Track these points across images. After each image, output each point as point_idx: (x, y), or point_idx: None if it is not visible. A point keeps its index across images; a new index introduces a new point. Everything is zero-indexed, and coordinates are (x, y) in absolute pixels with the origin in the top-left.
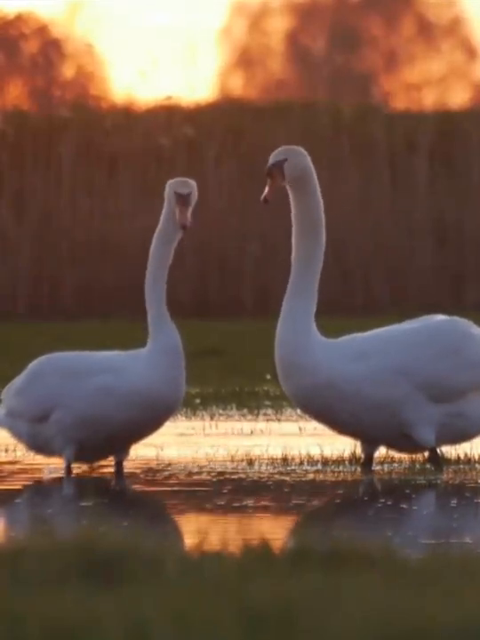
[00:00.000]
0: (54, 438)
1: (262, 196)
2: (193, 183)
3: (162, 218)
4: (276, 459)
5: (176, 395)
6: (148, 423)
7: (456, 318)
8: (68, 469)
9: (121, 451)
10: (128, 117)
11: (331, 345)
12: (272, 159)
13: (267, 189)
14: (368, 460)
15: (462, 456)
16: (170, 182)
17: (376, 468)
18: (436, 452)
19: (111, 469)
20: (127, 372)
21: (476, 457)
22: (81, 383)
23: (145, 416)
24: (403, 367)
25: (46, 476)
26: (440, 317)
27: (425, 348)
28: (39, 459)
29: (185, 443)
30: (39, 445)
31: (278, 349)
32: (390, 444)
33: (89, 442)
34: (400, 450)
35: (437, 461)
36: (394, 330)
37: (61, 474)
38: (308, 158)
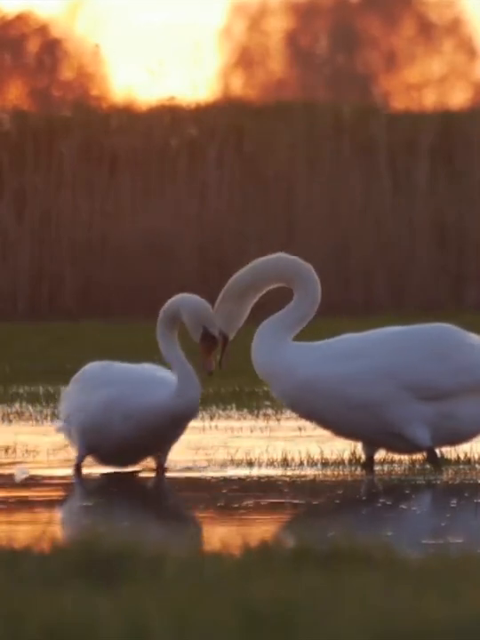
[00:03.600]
0: (71, 444)
1: (216, 365)
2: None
3: (160, 331)
4: (276, 459)
5: (183, 426)
6: (148, 442)
7: (447, 325)
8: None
9: (153, 455)
10: (129, 117)
11: (305, 347)
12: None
13: (213, 360)
14: (369, 461)
15: (462, 456)
16: (189, 306)
17: (376, 468)
18: (434, 452)
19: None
20: (144, 390)
21: (476, 457)
22: (92, 394)
23: (143, 436)
24: (386, 368)
25: (18, 477)
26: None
27: (410, 350)
28: (38, 459)
29: (185, 443)
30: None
31: (253, 357)
32: (386, 446)
33: (100, 449)
34: (398, 451)
35: (436, 461)
36: (379, 332)
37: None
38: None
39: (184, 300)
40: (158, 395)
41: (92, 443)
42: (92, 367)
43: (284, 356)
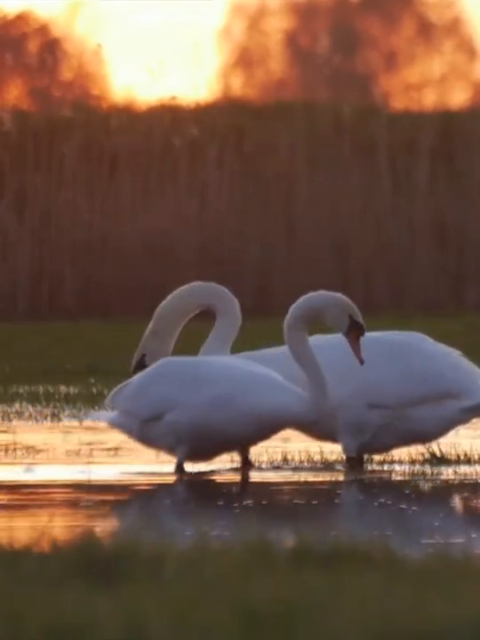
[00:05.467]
0: (166, 438)
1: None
2: None
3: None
4: (276, 459)
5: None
6: (254, 440)
7: (412, 333)
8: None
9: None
10: (129, 117)
11: (250, 357)
12: (133, 361)
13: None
14: (350, 460)
15: (462, 456)
16: (332, 301)
17: (376, 467)
18: (354, 460)
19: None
20: (252, 388)
21: (476, 457)
22: (200, 390)
23: (254, 435)
24: (345, 373)
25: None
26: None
27: (371, 358)
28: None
29: None
30: (149, 444)
31: None
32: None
33: (201, 445)
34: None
35: (353, 465)
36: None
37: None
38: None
39: (324, 297)
40: (286, 398)
41: (201, 438)
42: (189, 363)
43: None
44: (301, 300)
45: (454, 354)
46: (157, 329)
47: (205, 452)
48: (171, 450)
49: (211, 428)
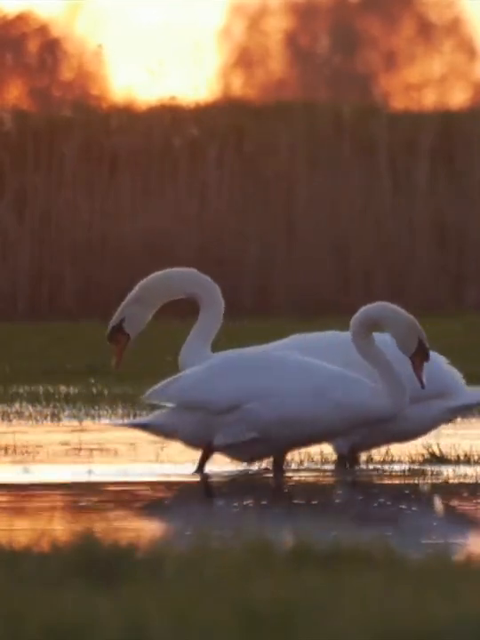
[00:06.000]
0: (237, 429)
1: (113, 363)
2: None
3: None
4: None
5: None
6: (339, 433)
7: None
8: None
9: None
10: (129, 117)
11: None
12: (110, 325)
13: (115, 357)
14: (341, 458)
15: (462, 456)
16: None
17: (376, 467)
18: (344, 459)
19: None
20: (353, 385)
21: (476, 457)
22: (284, 382)
23: (333, 430)
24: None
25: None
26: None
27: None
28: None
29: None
30: (200, 439)
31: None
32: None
33: (274, 439)
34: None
35: (344, 466)
36: (323, 337)
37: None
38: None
39: (395, 313)
40: (369, 394)
41: (280, 430)
42: (265, 355)
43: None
44: (372, 307)
45: (435, 354)
46: (143, 297)
47: (277, 446)
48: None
49: (296, 419)
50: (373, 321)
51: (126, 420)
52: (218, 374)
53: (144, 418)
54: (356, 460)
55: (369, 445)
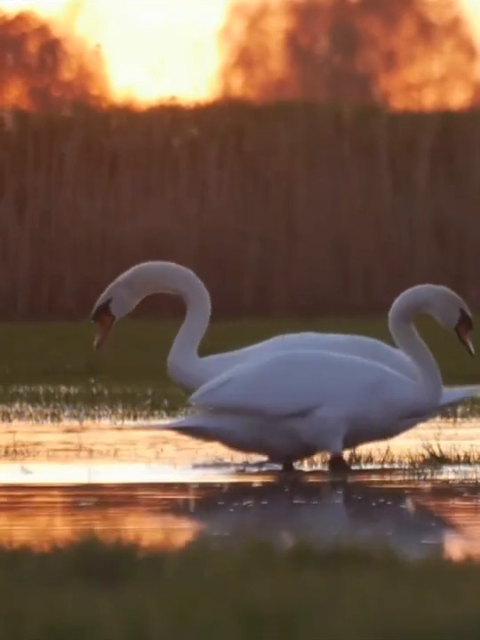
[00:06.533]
0: (320, 434)
1: (96, 343)
2: None
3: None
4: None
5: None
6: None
7: (367, 338)
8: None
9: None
10: (129, 117)
11: (209, 360)
12: (97, 304)
13: (98, 336)
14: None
15: (462, 456)
16: (442, 294)
17: (376, 468)
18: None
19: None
20: (399, 380)
21: (476, 457)
22: (352, 381)
23: (386, 426)
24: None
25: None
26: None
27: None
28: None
29: (186, 442)
30: (256, 444)
31: (169, 372)
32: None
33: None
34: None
35: (342, 467)
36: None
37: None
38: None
39: (433, 290)
40: (408, 388)
41: (350, 431)
42: (322, 355)
43: (188, 368)
44: (408, 292)
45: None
46: (134, 283)
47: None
48: (322, 445)
49: (365, 418)
50: (414, 306)
51: (164, 422)
52: (275, 377)
53: (186, 419)
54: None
55: (349, 445)
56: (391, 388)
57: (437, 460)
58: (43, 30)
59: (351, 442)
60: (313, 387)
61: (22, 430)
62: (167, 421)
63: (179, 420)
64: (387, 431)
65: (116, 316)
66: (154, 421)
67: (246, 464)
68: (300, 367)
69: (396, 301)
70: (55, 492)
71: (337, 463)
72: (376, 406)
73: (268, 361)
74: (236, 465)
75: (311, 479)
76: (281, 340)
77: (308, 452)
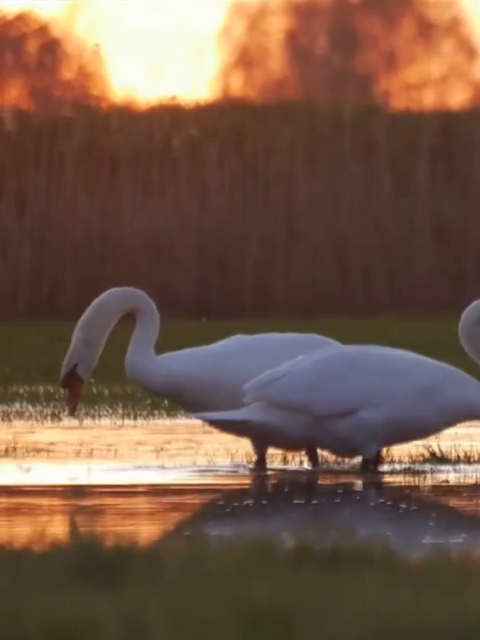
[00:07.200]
0: (357, 434)
1: (69, 410)
2: None
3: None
4: (276, 459)
5: None
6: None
7: (318, 335)
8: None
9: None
10: (129, 117)
11: (168, 358)
12: (62, 371)
13: (70, 403)
14: (261, 460)
15: (462, 456)
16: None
17: (379, 467)
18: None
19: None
20: (458, 382)
21: (477, 457)
22: (402, 382)
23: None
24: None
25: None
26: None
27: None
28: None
29: (185, 442)
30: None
31: (131, 377)
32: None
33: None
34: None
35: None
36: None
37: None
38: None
39: None
40: (472, 391)
41: (394, 431)
42: (378, 353)
43: (147, 367)
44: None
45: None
46: (90, 338)
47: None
48: (359, 445)
49: (410, 420)
50: None
51: (210, 414)
52: (326, 375)
53: (233, 413)
54: (380, 460)
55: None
56: (450, 391)
57: (437, 460)
58: (43, 30)
59: (396, 441)
60: (362, 388)
61: (22, 430)
62: (214, 413)
63: (224, 412)
64: (436, 432)
65: (84, 377)
66: (153, 421)
67: (244, 464)
68: (354, 367)
69: (469, 310)
70: (55, 492)
71: (367, 465)
72: (428, 409)
73: (324, 358)
74: (235, 465)
75: (311, 479)
76: (243, 339)
77: (354, 451)
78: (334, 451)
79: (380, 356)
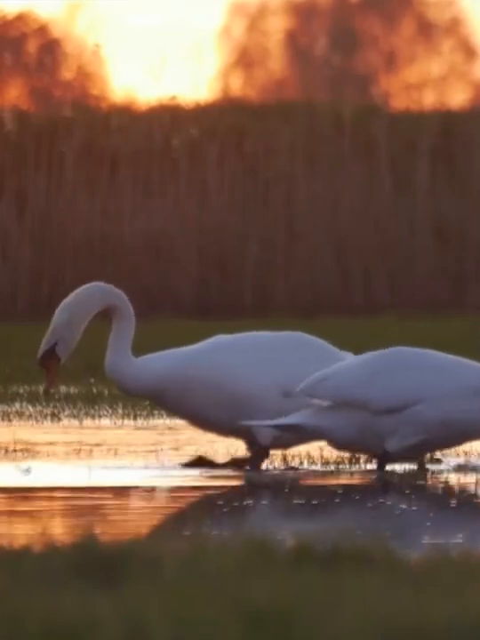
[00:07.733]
0: (404, 430)
1: (45, 389)
2: None
3: None
4: (276, 459)
5: None
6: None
7: (300, 334)
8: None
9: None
10: (129, 117)
11: (147, 359)
12: (41, 348)
13: (47, 381)
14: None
15: (462, 456)
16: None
17: (375, 467)
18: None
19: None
20: None
21: (477, 457)
22: (450, 380)
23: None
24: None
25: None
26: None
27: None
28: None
29: (186, 442)
30: (360, 440)
31: (111, 377)
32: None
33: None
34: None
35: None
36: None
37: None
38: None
39: None
40: None
41: (442, 430)
42: (425, 353)
43: (124, 369)
44: None
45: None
46: (71, 320)
47: (432, 447)
48: (402, 444)
49: (458, 419)
50: None
51: (266, 421)
52: (378, 372)
53: (288, 418)
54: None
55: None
56: None
57: (437, 460)
58: (42, 30)
59: (454, 443)
60: (418, 383)
61: (22, 430)
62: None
63: (280, 418)
64: None
65: (63, 358)
66: (153, 421)
67: (243, 465)
68: (406, 365)
69: None
70: (55, 492)
71: (384, 461)
72: (477, 409)
73: (373, 355)
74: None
75: (311, 479)
76: (225, 339)
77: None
78: (379, 450)
79: (433, 355)
